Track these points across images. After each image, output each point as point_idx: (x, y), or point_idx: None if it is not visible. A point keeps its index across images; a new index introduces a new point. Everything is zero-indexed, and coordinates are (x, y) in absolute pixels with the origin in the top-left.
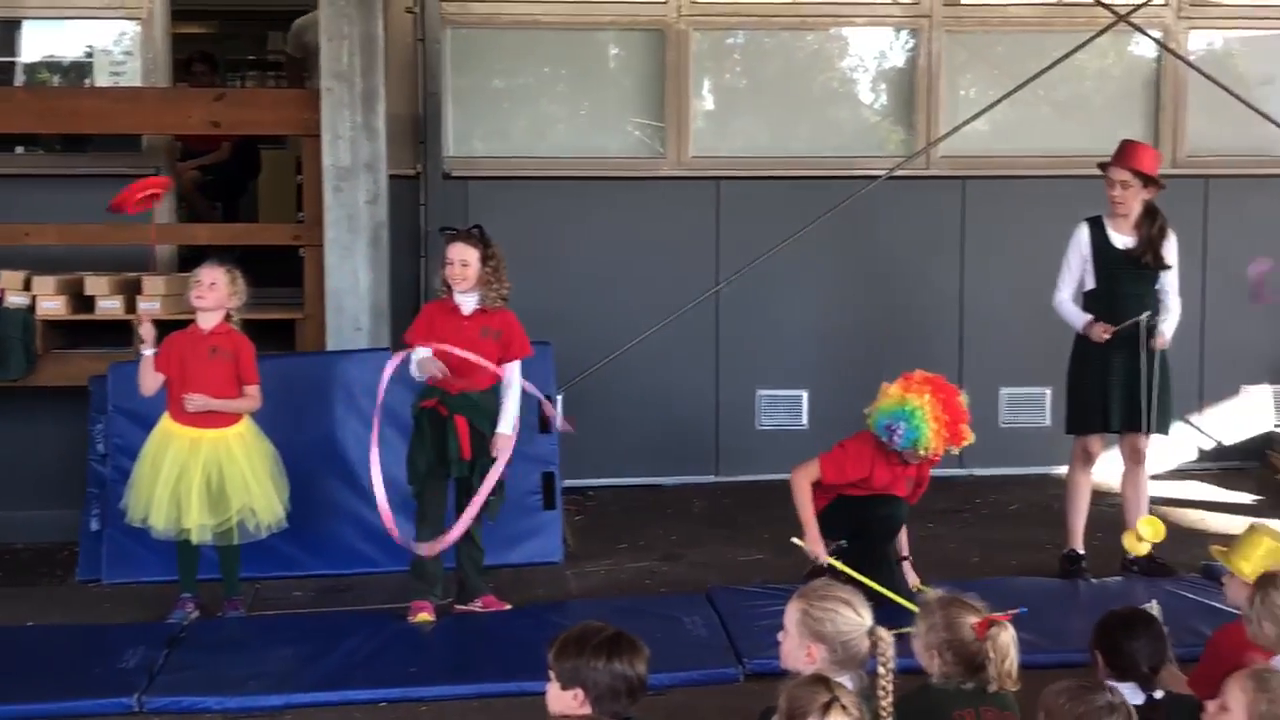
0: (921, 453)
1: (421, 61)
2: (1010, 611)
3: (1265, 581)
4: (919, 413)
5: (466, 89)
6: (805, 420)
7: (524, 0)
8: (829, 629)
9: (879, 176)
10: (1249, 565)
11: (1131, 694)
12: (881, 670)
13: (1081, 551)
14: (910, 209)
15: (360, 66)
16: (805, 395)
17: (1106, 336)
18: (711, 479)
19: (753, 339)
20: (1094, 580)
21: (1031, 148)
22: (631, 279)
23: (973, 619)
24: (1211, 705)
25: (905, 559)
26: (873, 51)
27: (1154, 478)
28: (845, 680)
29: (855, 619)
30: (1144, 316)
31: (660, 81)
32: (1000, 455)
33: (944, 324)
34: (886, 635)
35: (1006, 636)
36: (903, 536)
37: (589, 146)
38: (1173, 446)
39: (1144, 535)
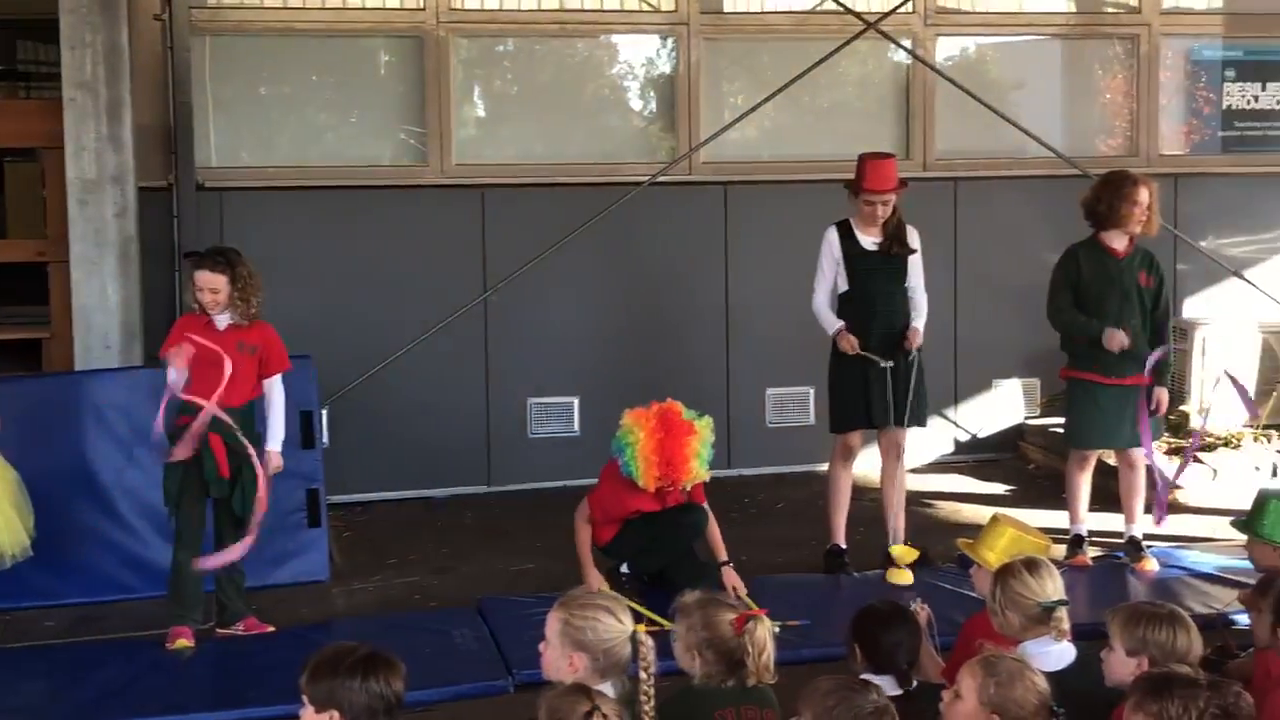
0: (641, 485)
1: (171, 70)
2: (792, 622)
3: (1004, 572)
4: (631, 449)
5: (223, 98)
6: (577, 427)
7: (278, 7)
8: (591, 637)
9: (643, 183)
10: (994, 555)
11: (888, 686)
12: (643, 675)
13: (844, 546)
14: (676, 214)
15: (105, 76)
16: (576, 402)
17: (853, 352)
18: (483, 489)
19: (523, 347)
20: (856, 574)
21: (791, 153)
22: (397, 289)
23: (730, 615)
24: (947, 695)
25: (726, 563)
26: (636, 59)
27: (913, 471)
28: (607, 687)
29: (617, 626)
30: (889, 365)
31: (422, 89)
32: (768, 455)
33: (711, 327)
34: (647, 640)
35: (763, 630)
36: (718, 541)
37: (350, 155)
38: (931, 440)
39: (900, 569)
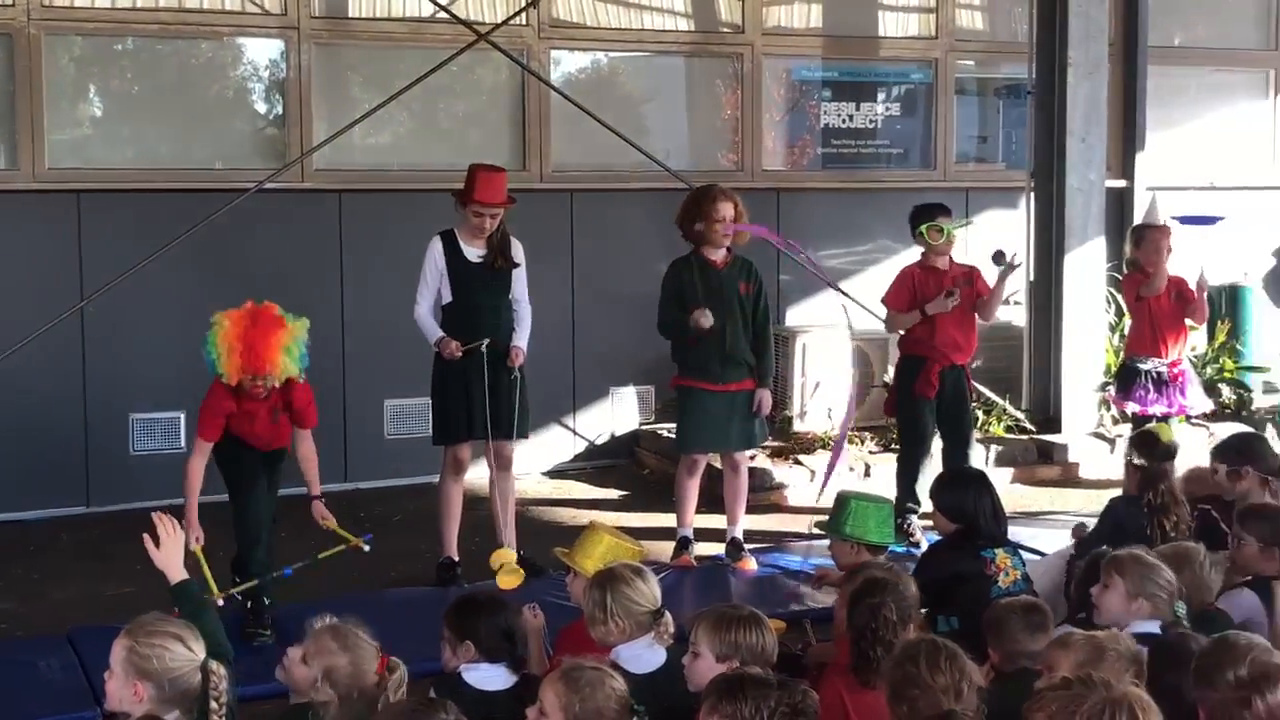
0: (224, 378)
1: None
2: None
3: (614, 579)
4: (214, 333)
5: None
6: (183, 443)
7: None
8: (156, 666)
9: (249, 189)
10: (591, 562)
11: (501, 676)
12: (214, 705)
13: (456, 558)
14: (289, 223)
15: None
16: (183, 417)
17: (459, 354)
18: (82, 510)
19: (124, 360)
20: (467, 586)
21: (410, 162)
22: None
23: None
24: (531, 711)
25: (317, 497)
26: (251, 63)
27: (539, 475)
28: (174, 718)
29: (186, 654)
30: (484, 342)
31: (12, 89)
32: (386, 467)
33: (328, 337)
34: (219, 669)
35: (401, 673)
36: (313, 474)
37: None
38: (549, 447)
39: (503, 583)
